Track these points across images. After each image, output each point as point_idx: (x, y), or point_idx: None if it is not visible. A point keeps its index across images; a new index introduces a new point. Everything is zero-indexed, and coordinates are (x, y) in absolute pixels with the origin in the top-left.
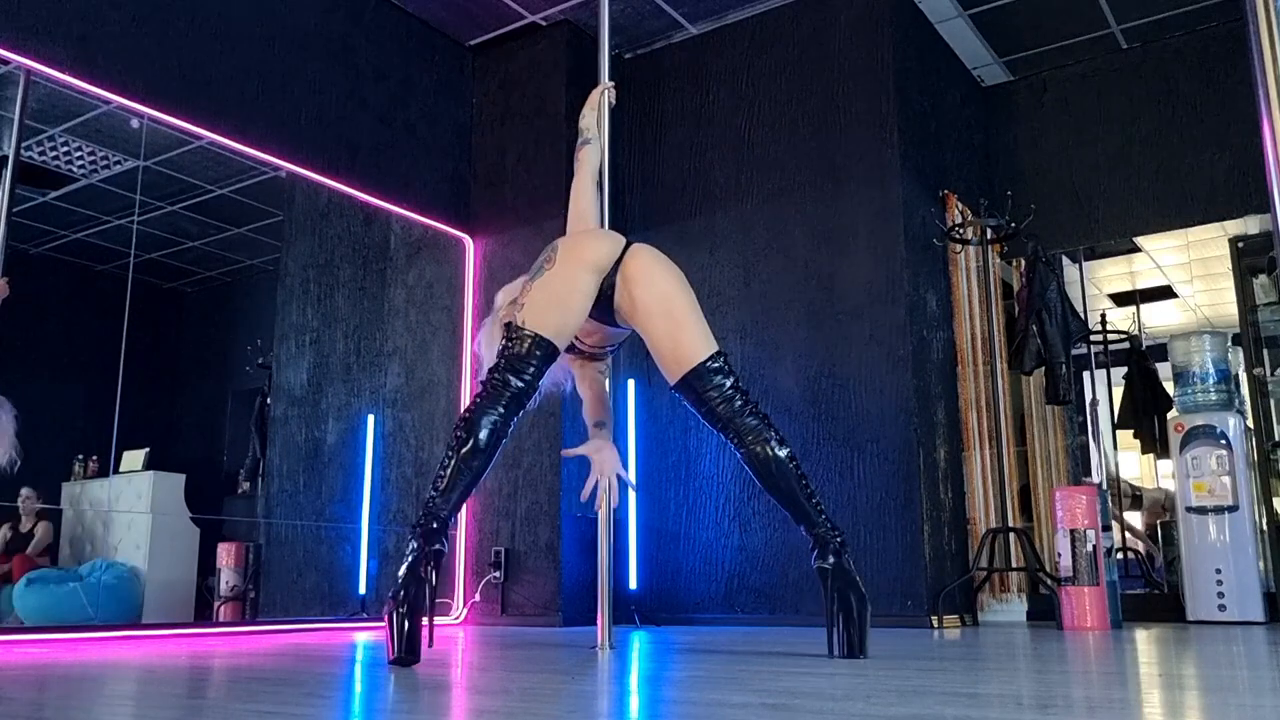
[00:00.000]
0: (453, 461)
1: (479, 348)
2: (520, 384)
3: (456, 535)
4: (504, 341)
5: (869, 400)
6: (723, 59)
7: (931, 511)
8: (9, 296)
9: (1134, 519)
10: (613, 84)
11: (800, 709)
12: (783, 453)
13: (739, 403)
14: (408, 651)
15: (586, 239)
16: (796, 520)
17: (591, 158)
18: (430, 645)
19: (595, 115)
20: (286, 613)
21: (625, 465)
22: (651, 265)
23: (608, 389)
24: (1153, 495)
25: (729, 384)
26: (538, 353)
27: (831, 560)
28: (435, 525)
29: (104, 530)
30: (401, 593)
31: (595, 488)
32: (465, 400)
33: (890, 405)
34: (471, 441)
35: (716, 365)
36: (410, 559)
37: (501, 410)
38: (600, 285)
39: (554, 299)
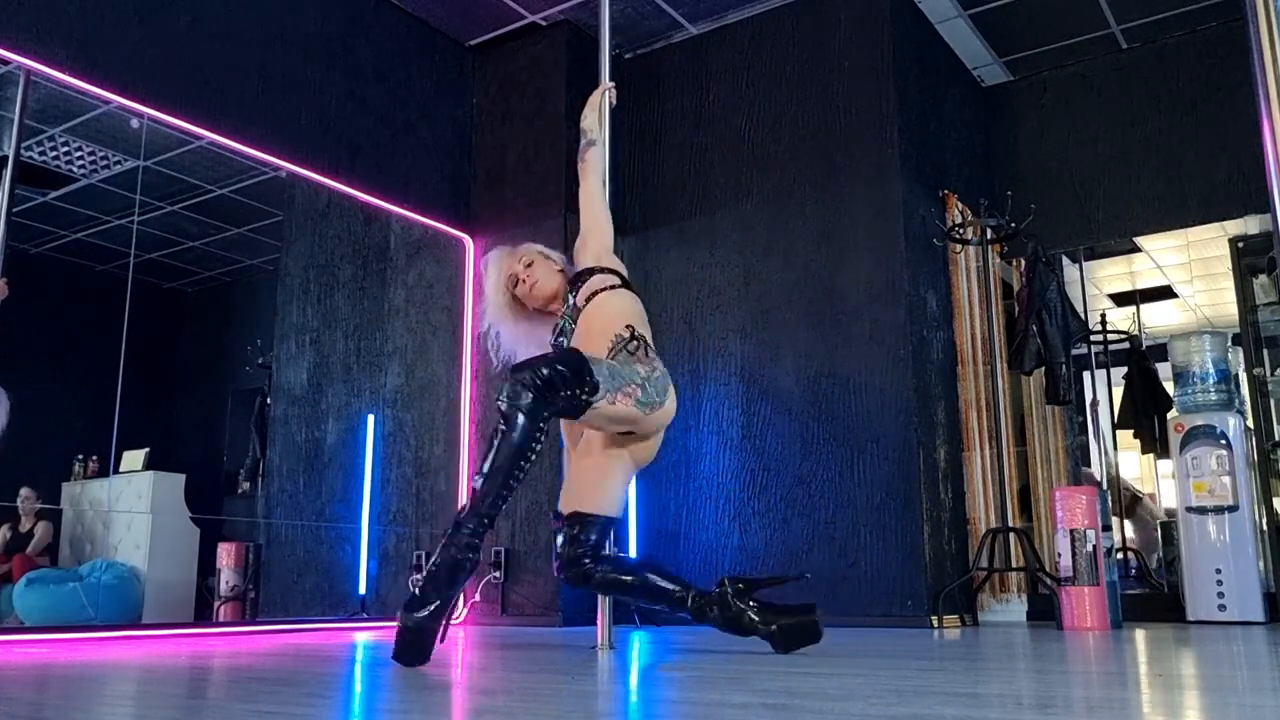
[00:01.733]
0: (502, 460)
1: (486, 266)
2: (554, 408)
3: None
4: (572, 372)
5: (869, 400)
6: (723, 59)
7: (931, 511)
8: (9, 296)
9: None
10: (613, 84)
11: (800, 709)
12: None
13: (595, 564)
14: (424, 655)
15: (671, 405)
16: (672, 607)
17: (598, 160)
18: (442, 641)
19: (596, 115)
20: (286, 613)
21: None
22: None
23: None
24: (1143, 508)
25: (599, 545)
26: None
27: (716, 611)
28: (482, 533)
29: (104, 530)
30: (438, 601)
31: None
32: (465, 400)
33: (890, 405)
34: (522, 436)
35: (608, 526)
36: (453, 565)
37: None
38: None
39: (622, 419)
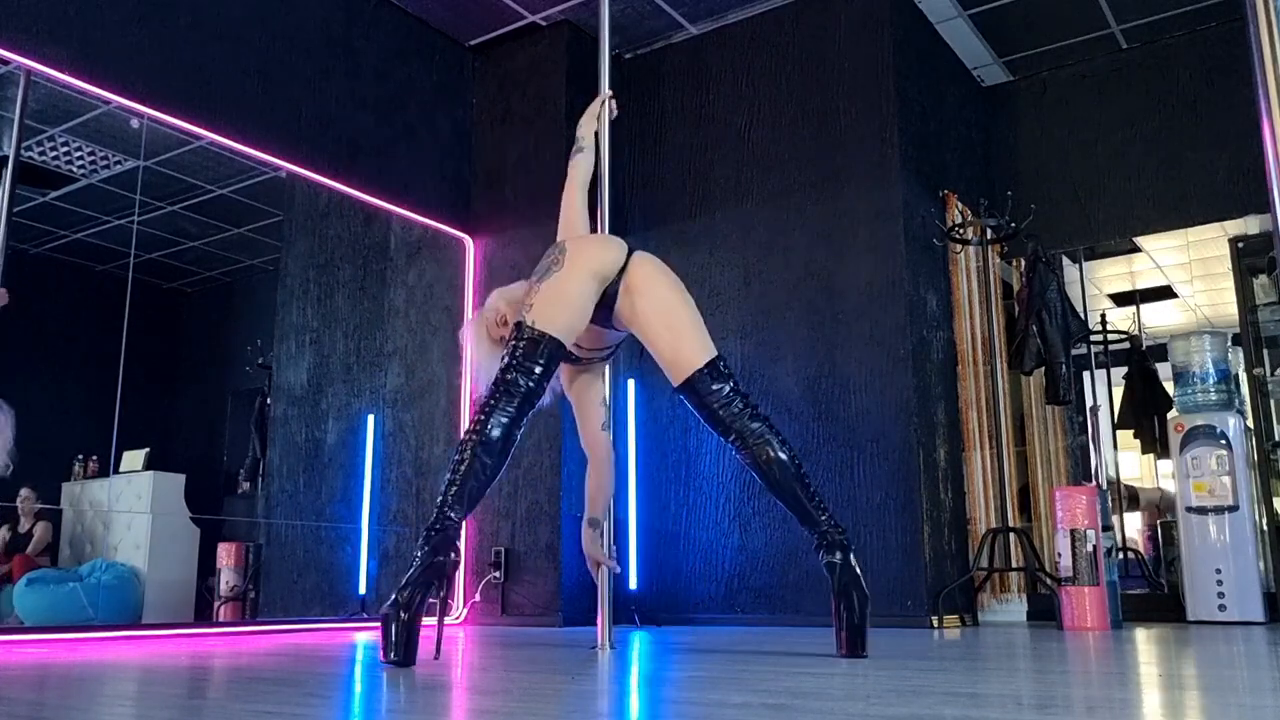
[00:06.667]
0: (464, 465)
1: (464, 340)
2: (530, 384)
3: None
4: (513, 342)
5: (869, 400)
6: (723, 59)
7: (931, 511)
8: (9, 303)
9: (1132, 519)
10: (612, 93)
11: (800, 709)
12: (784, 455)
13: (738, 406)
14: (404, 657)
15: (593, 245)
16: (801, 521)
17: (583, 167)
18: (437, 657)
19: (592, 125)
20: (286, 613)
21: (623, 473)
22: (654, 275)
23: (608, 447)
24: (1149, 495)
25: (728, 389)
26: (546, 351)
27: (839, 556)
28: (450, 533)
29: (104, 530)
30: (405, 598)
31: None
32: (465, 400)
33: (890, 405)
34: (484, 443)
35: (715, 371)
36: (419, 565)
37: (513, 411)
38: (603, 291)
39: (562, 299)
